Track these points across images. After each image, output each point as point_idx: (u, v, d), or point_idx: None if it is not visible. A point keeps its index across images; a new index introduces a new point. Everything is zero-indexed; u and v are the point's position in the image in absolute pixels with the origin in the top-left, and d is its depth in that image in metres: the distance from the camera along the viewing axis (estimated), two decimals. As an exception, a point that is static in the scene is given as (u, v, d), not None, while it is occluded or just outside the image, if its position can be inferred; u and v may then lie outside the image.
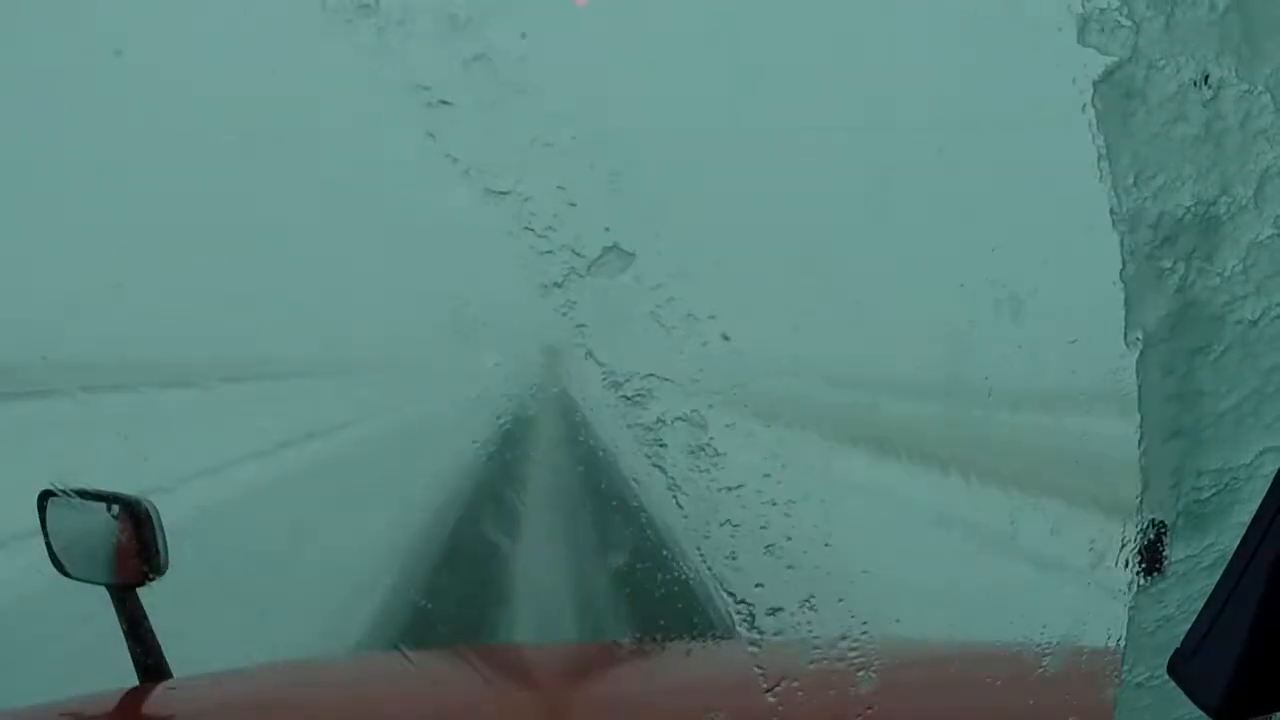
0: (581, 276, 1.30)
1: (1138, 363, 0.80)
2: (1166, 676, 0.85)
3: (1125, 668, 0.89)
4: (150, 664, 2.00)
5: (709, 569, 1.43)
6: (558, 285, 1.30)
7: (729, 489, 1.41)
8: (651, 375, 1.33)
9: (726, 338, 1.44)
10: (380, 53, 1.30)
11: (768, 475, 1.42)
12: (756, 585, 1.46)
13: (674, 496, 1.38)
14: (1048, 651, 1.94)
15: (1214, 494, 0.80)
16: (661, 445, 1.34)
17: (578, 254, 1.30)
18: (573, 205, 1.33)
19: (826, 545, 1.54)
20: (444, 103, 1.37)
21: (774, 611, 1.45)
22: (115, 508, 2.05)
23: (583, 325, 1.31)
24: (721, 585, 1.43)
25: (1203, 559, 0.81)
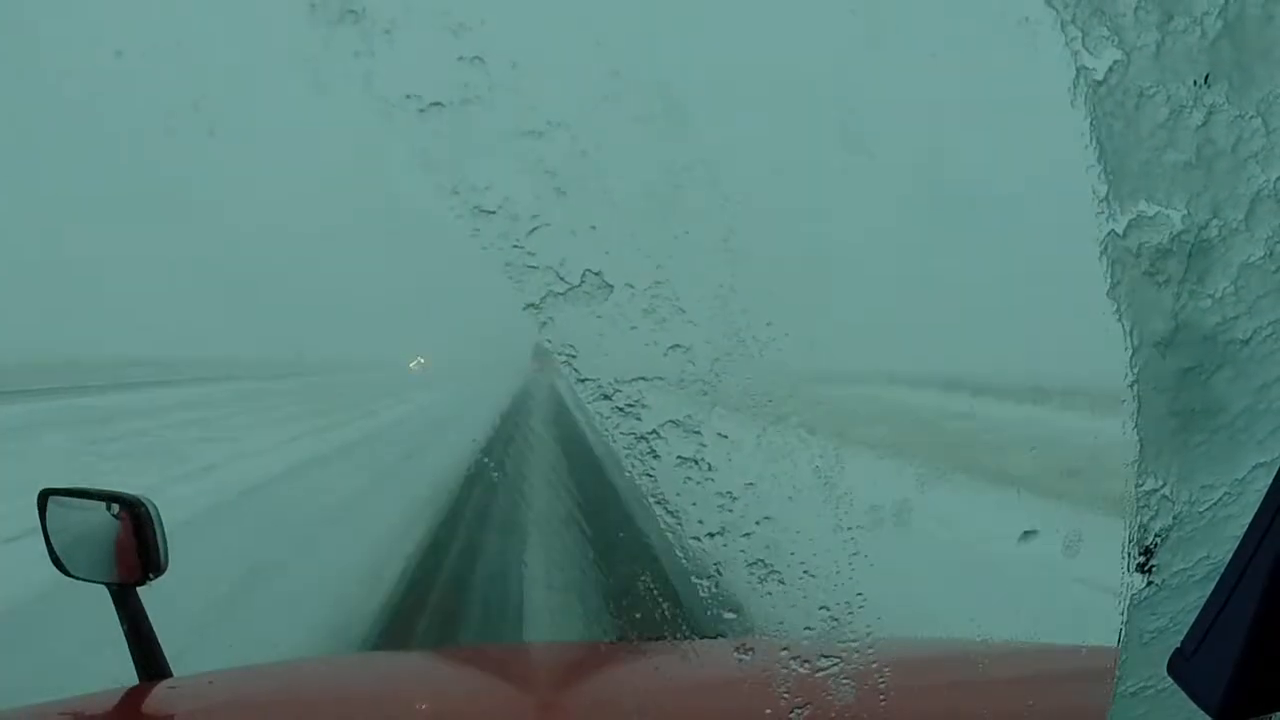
0: (559, 294, 1.30)
1: (1133, 381, 0.81)
2: (1159, 688, 0.86)
3: (1119, 678, 0.90)
4: (150, 664, 2.01)
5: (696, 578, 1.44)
6: (534, 306, 1.30)
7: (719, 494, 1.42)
8: (640, 378, 1.34)
9: (707, 342, 1.44)
10: (365, 56, 1.30)
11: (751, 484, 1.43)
12: (731, 613, 1.47)
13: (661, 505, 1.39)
14: (1047, 652, 1.95)
15: (1207, 508, 0.81)
16: (654, 455, 1.35)
17: (562, 278, 1.30)
18: (562, 192, 1.32)
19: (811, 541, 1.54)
20: (436, 104, 1.37)
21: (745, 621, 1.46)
22: (115, 507, 2.05)
23: (570, 346, 1.31)
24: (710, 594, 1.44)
25: (1195, 572, 0.82)
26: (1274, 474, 0.69)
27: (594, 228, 1.35)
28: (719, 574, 1.38)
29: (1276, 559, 0.66)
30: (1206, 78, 0.74)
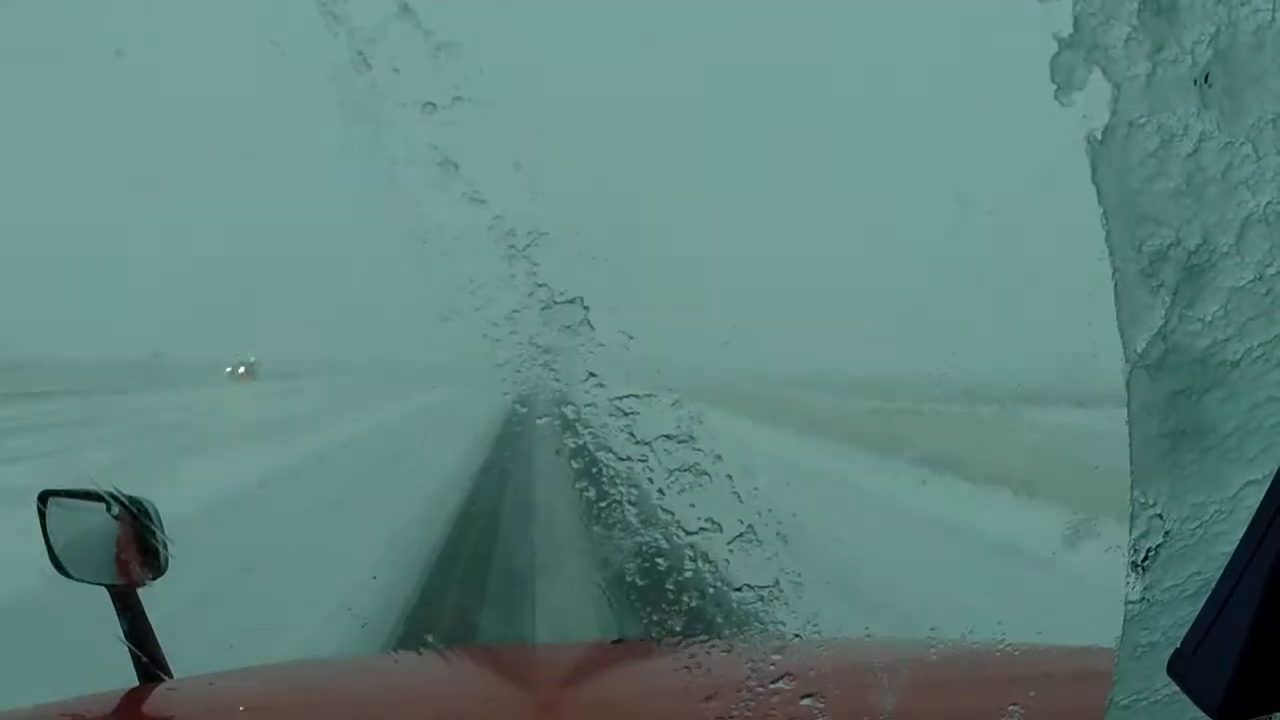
0: (547, 308, 1.31)
1: (1128, 402, 0.81)
2: (1153, 700, 0.87)
3: (1112, 690, 0.90)
4: (150, 664, 2.02)
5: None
6: (509, 317, 1.31)
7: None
8: (632, 395, 1.35)
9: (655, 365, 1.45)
10: (361, 70, 1.30)
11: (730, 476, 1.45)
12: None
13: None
14: (1046, 652, 1.96)
15: (1198, 525, 0.82)
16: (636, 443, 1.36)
17: (558, 300, 1.30)
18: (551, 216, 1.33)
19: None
20: (430, 104, 1.37)
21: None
22: (115, 508, 2.05)
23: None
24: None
25: (1187, 588, 0.83)
26: (1266, 489, 0.69)
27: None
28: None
29: (1276, 560, 0.66)
30: (1206, 77, 0.74)
